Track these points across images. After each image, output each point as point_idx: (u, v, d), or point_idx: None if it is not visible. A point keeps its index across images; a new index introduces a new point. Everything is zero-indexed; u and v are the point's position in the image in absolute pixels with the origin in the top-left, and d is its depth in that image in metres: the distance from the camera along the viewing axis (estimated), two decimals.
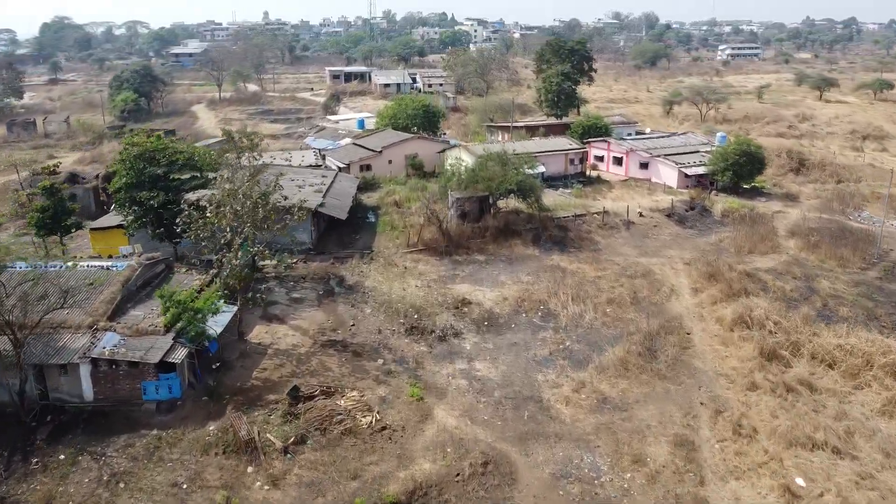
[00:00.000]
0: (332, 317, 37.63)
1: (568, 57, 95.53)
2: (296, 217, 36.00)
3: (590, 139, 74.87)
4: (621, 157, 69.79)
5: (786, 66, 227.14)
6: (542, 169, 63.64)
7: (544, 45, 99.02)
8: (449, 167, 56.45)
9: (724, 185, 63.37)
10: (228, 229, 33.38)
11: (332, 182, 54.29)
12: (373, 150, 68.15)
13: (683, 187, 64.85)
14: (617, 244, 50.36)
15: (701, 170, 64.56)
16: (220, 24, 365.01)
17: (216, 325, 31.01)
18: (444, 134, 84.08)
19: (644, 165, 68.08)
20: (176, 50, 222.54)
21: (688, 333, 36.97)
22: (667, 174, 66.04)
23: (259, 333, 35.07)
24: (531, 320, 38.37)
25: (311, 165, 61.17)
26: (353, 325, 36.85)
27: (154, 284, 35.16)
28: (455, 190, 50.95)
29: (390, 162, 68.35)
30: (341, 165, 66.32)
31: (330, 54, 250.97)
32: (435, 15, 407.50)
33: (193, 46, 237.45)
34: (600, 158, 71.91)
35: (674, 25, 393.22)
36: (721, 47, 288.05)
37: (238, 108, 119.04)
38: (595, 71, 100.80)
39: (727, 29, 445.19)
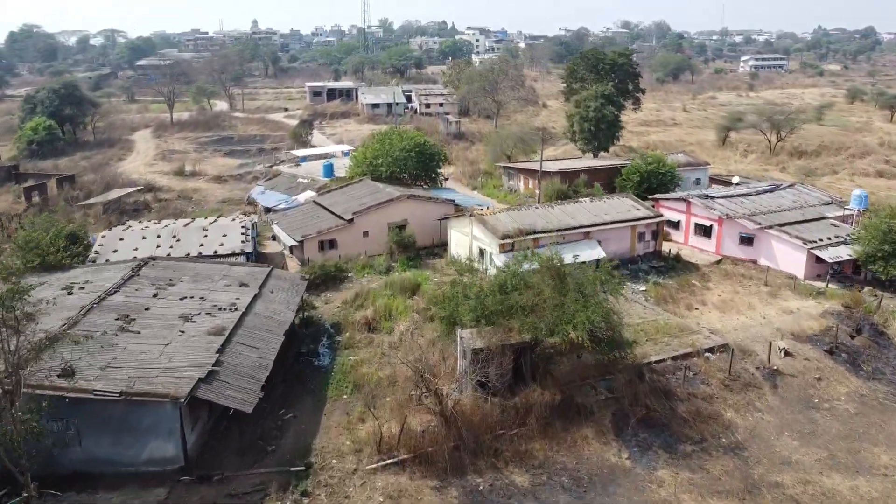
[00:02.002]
0: None
1: (608, 73, 72.79)
2: None
3: (656, 195, 52.11)
4: (710, 227, 46.87)
5: (822, 80, 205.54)
6: (598, 253, 40.78)
7: (576, 59, 76.32)
8: (454, 270, 33.19)
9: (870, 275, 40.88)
10: None
11: (255, 298, 31.27)
12: (340, 218, 45.26)
13: (813, 277, 42.06)
14: (768, 431, 27.26)
15: (844, 252, 41.66)
16: (206, 33, 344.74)
17: None
18: (446, 179, 61.22)
19: (747, 240, 45.18)
20: (144, 62, 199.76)
21: None
22: (787, 257, 43.13)
23: None
24: None
25: (232, 254, 38.08)
26: None
27: None
28: (469, 326, 27.93)
29: (366, 234, 45.47)
30: (293, 242, 43.52)
31: (319, 65, 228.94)
32: (434, 24, 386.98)
33: (172, 57, 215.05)
34: (675, 224, 49.02)
35: (684, 35, 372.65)
36: (744, 58, 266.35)
37: (190, 135, 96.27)
38: (643, 92, 77.95)
39: (738, 38, 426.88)
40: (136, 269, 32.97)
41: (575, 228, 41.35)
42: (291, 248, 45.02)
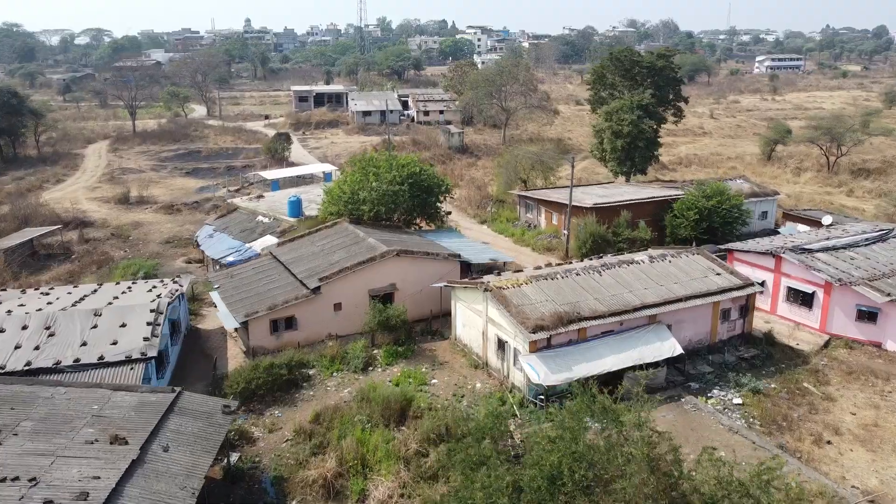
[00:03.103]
0: None
1: (644, 79, 60.00)
2: None
3: (729, 245, 39.43)
4: (812, 294, 34.07)
5: (846, 81, 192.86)
6: (671, 346, 28.11)
7: (605, 60, 63.30)
8: (465, 427, 20.18)
9: None
10: None
11: (133, 468, 18.46)
12: (302, 285, 32.55)
13: None
14: None
15: None
16: (197, 32, 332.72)
17: None
18: (448, 214, 48.30)
19: (868, 316, 32.44)
20: (120, 63, 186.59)
21: None
22: None
23: None
24: None
25: (126, 360, 25.15)
26: None
27: None
28: None
29: (337, 307, 32.80)
30: (236, 324, 30.78)
31: (313, 66, 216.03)
32: (434, 22, 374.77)
33: (137, 59, 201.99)
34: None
35: (693, 34, 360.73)
36: (759, 58, 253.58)
37: (153, 148, 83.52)
38: (686, 101, 64.96)
39: (745, 38, 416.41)
40: None
41: (637, 310, 28.56)
42: (236, 330, 32.32)
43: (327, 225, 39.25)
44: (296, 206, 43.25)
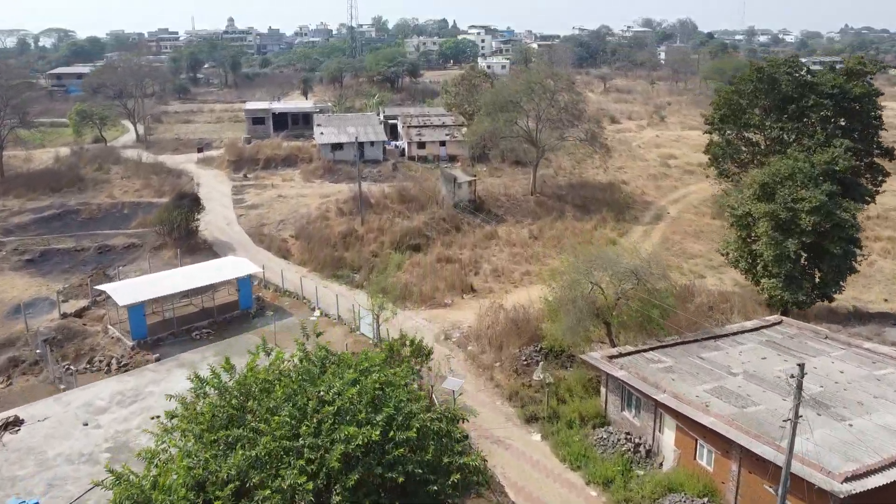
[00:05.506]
0: None
1: (827, 118, 32.18)
2: None
3: None
4: None
5: None
6: None
7: (742, 79, 34.54)
8: None
9: None
10: None
11: None
12: None
13: None
14: None
15: None
16: (175, 32, 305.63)
17: None
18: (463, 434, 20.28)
19: None
20: (62, 69, 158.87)
21: None
22: None
23: None
24: None
25: None
26: None
27: None
28: None
29: None
30: None
31: (296, 71, 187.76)
32: (433, 22, 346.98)
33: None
34: None
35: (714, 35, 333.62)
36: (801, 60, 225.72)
37: (12, 204, 55.75)
38: (892, 156, 36.25)
39: (763, 38, 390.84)
40: None
41: None
42: None
43: None
44: None
